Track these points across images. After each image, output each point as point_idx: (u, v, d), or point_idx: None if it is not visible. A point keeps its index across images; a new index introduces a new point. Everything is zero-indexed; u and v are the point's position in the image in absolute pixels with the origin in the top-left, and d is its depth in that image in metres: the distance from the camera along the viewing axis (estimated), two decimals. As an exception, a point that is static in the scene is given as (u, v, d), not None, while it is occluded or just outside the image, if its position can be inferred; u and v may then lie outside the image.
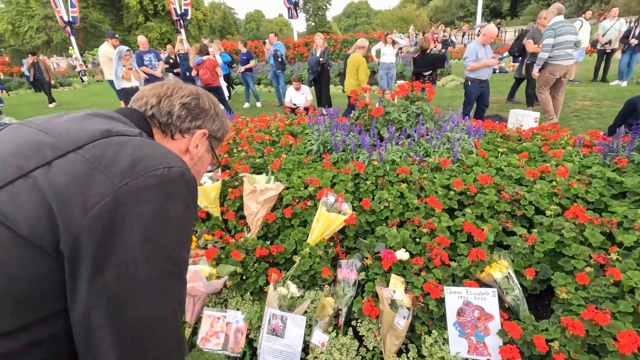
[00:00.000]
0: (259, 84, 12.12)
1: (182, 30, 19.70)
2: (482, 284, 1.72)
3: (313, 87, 7.34)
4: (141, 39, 6.64)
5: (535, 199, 2.04)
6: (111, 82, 6.85)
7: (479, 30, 15.90)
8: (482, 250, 1.76)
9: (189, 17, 20.65)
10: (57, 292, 0.50)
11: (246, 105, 9.02)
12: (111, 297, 0.50)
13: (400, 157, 2.57)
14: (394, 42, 7.46)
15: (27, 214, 0.48)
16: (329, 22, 60.83)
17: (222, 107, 0.92)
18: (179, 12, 19.29)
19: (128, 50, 5.55)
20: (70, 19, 20.30)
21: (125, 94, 6.01)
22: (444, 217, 2.04)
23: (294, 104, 7.06)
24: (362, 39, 6.09)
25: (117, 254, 0.51)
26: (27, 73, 11.67)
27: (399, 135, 2.80)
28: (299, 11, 17.21)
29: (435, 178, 2.34)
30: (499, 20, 20.13)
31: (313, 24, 59.08)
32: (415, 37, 19.57)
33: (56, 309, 0.50)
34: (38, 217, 0.48)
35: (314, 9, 58.53)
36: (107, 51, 6.32)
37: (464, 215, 2.10)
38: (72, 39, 21.80)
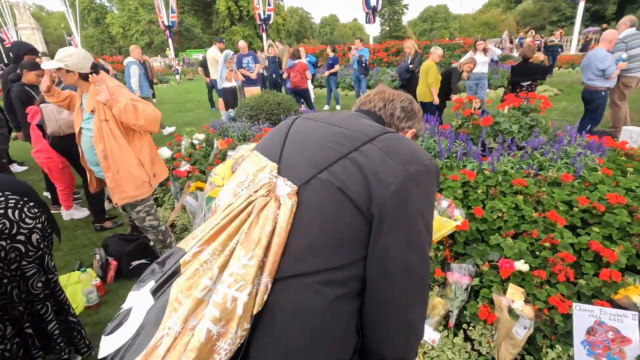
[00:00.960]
0: (337, 87, 12.45)
1: (264, 34, 21.06)
2: (614, 305, 1.66)
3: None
4: (241, 44, 7.28)
5: (678, 224, 1.89)
6: (213, 81, 7.61)
7: (587, 37, 14.36)
8: (616, 272, 1.69)
9: (271, 21, 21.98)
10: (364, 242, 0.68)
11: (326, 107, 9.35)
12: (397, 251, 0.67)
13: (513, 168, 2.53)
14: (485, 50, 7.09)
15: (353, 185, 0.67)
16: (403, 26, 59.79)
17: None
18: (262, 17, 20.62)
19: (233, 54, 6.14)
20: (170, 23, 22.97)
21: (225, 93, 6.64)
22: (566, 234, 1.98)
23: (376, 109, 7.16)
24: (435, 46, 6.23)
25: (403, 220, 0.68)
26: (135, 71, 13.41)
27: (509, 146, 2.75)
28: (376, 16, 17.30)
29: (554, 193, 2.27)
30: (604, 24, 18.05)
31: (387, 28, 58.58)
32: (510, 42, 18.38)
33: (361, 255, 0.68)
34: (360, 188, 0.67)
35: (389, 14, 58.03)
36: (214, 54, 7.06)
37: (587, 234, 2.01)
38: (170, 41, 24.65)
